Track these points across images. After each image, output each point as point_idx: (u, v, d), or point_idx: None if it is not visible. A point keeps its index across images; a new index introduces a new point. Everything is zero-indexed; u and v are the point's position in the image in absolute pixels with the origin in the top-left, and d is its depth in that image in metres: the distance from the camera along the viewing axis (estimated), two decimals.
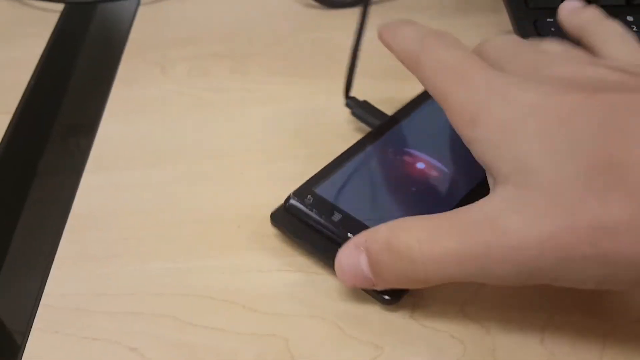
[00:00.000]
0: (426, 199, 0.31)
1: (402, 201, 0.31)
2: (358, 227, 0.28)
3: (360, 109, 0.36)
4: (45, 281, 0.31)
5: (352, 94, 0.36)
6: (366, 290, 0.28)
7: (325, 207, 0.30)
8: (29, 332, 0.29)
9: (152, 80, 0.42)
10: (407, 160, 0.32)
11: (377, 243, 0.25)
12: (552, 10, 0.38)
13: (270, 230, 0.31)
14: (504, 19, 0.42)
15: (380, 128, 0.34)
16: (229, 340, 0.28)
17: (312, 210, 0.30)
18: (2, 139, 0.39)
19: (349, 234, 0.28)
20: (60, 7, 0.51)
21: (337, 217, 0.29)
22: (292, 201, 0.30)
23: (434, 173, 0.32)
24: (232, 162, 0.36)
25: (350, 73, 0.35)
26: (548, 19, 0.37)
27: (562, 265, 0.22)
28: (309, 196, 0.30)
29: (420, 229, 0.24)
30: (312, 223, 0.30)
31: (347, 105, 0.36)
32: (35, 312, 0.29)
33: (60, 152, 0.38)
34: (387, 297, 0.28)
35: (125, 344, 0.28)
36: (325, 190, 0.31)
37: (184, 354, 0.27)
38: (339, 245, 0.27)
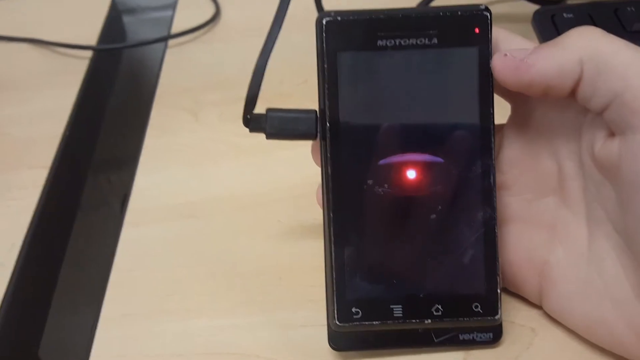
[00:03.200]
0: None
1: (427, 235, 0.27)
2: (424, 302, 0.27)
3: (274, 123, 0.28)
4: (92, 343, 0.31)
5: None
6: (464, 340, 0.28)
7: (380, 308, 0.27)
8: None
9: (184, 127, 0.43)
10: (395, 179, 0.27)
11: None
12: None
13: (313, 281, 0.31)
14: None
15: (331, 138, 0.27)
16: None
17: (371, 322, 0.27)
18: (41, 195, 0.40)
19: (426, 321, 0.27)
20: (89, 53, 0.51)
21: (397, 310, 0.27)
22: (341, 325, 0.27)
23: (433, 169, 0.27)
24: (268, 211, 0.36)
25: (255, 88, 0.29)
26: None
27: None
28: (353, 309, 0.27)
29: None
30: (378, 329, 0.27)
31: (255, 127, 0.29)
32: None
33: (98, 206, 0.39)
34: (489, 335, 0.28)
35: None
36: (361, 290, 0.27)
37: None
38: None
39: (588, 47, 0.24)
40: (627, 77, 0.23)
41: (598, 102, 0.24)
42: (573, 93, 0.25)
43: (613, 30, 0.39)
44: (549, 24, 0.41)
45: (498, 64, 0.26)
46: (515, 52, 0.26)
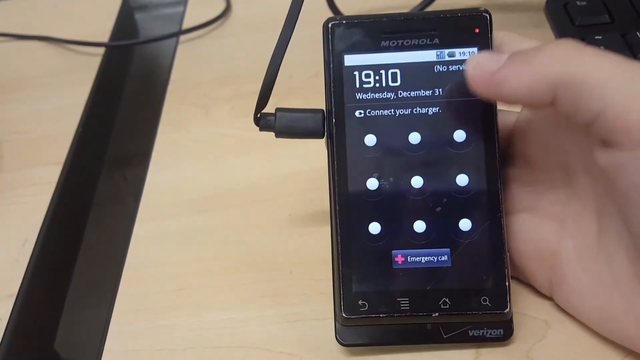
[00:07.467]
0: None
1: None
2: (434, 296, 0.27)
3: (283, 122, 0.29)
4: (105, 337, 0.31)
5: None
6: (474, 337, 0.27)
7: (387, 300, 0.27)
8: None
9: (195, 122, 0.43)
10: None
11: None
12: (600, 27, 0.37)
13: (324, 274, 0.31)
14: (547, 35, 0.41)
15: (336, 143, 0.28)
16: None
17: (377, 314, 0.27)
18: (54, 191, 0.40)
19: (434, 314, 0.27)
20: (101, 50, 0.52)
21: (404, 303, 0.27)
22: (348, 317, 0.27)
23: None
24: (279, 204, 0.36)
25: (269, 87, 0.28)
26: (596, 37, 0.36)
27: None
28: (360, 302, 0.27)
29: None
30: (385, 323, 0.27)
31: (264, 126, 0.29)
32: None
33: (113, 202, 0.39)
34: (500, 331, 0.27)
35: None
36: (368, 282, 0.27)
37: None
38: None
39: (560, 70, 0.23)
40: (605, 96, 0.22)
41: (582, 119, 0.23)
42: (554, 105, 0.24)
43: (629, 18, 0.39)
44: (562, 12, 0.40)
45: (469, 73, 0.25)
46: (486, 62, 0.25)
